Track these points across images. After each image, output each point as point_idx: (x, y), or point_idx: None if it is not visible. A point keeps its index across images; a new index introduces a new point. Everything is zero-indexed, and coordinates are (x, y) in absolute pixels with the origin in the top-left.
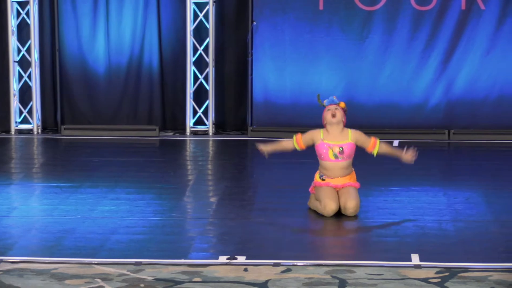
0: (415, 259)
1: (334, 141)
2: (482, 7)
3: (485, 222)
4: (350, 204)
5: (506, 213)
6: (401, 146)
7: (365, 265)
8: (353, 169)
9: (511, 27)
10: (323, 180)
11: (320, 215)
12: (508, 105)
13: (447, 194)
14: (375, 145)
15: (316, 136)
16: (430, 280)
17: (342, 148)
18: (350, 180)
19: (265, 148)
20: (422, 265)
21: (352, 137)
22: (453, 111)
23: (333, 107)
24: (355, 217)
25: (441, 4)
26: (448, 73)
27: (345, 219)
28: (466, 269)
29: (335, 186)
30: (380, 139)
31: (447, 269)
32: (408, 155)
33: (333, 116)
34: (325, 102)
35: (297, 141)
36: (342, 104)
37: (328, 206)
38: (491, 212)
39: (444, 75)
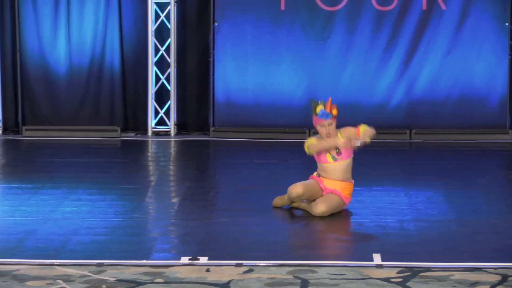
0: (377, 259)
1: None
2: (443, 7)
3: (446, 221)
4: (320, 208)
5: (468, 212)
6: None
7: (327, 265)
8: (352, 182)
9: (471, 27)
10: (318, 176)
11: (282, 216)
12: (469, 105)
13: (408, 194)
14: (358, 134)
15: (314, 141)
16: (392, 280)
17: (338, 149)
18: (340, 188)
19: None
20: (384, 265)
21: (342, 135)
22: (414, 111)
23: (326, 123)
24: (316, 218)
25: (402, 5)
26: (409, 73)
27: (307, 220)
28: (428, 269)
29: (323, 188)
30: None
31: (409, 268)
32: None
33: (328, 135)
34: (318, 112)
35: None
36: (335, 112)
37: (295, 189)
38: (452, 211)
39: (406, 75)
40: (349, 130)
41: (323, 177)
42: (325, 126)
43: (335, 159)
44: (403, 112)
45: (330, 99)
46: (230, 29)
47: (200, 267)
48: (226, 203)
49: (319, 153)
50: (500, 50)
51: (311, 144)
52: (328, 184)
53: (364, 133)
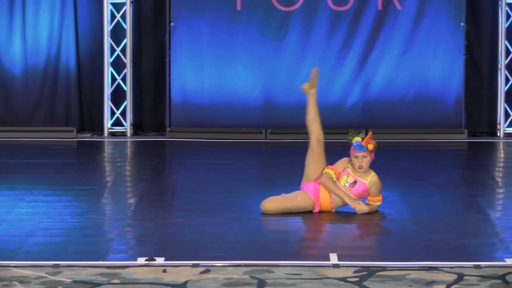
0: (333, 258)
1: (355, 173)
2: (399, 7)
3: (402, 221)
4: (266, 205)
5: (423, 212)
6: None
7: (284, 265)
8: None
9: (427, 27)
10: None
11: (238, 216)
12: (424, 105)
13: None
14: (375, 201)
15: (346, 164)
16: (349, 279)
17: (356, 182)
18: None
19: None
20: (340, 265)
21: (370, 180)
22: (370, 111)
23: (360, 155)
24: (273, 217)
25: (358, 5)
26: (365, 73)
27: (263, 220)
28: (384, 268)
29: (317, 207)
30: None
31: (365, 268)
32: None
33: (360, 168)
34: (354, 143)
35: (333, 171)
36: (371, 147)
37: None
38: (408, 211)
39: (362, 75)
40: (376, 187)
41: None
42: (358, 157)
43: (345, 186)
44: (359, 112)
45: (370, 133)
46: (186, 29)
47: (156, 268)
48: (182, 204)
49: (327, 188)
50: (456, 49)
51: (327, 176)
52: (325, 206)
53: (371, 207)
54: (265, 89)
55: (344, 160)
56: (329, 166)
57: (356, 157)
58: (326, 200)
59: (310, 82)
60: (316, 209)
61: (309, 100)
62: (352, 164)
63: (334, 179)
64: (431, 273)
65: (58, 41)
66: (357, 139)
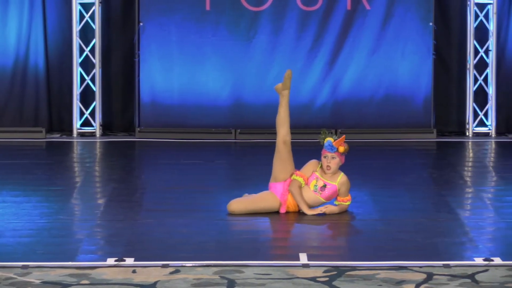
0: (303, 258)
1: (324, 177)
2: (368, 7)
3: (371, 220)
4: (232, 206)
5: (393, 211)
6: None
7: (254, 265)
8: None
9: (396, 28)
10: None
11: (208, 217)
12: (393, 104)
13: None
14: (343, 201)
15: (315, 167)
16: (318, 279)
17: (325, 185)
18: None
19: (310, 212)
20: (310, 264)
21: (340, 181)
22: (339, 111)
23: (330, 155)
24: (243, 217)
25: (327, 5)
26: (334, 73)
27: (233, 220)
28: (354, 268)
29: (283, 208)
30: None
31: (335, 268)
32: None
33: (328, 168)
34: (325, 143)
35: (302, 177)
36: (341, 149)
37: (231, 207)
38: (377, 210)
39: (331, 75)
40: (344, 187)
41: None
42: (327, 157)
43: (316, 191)
44: (328, 112)
45: (343, 136)
46: (155, 29)
47: (126, 268)
48: (152, 204)
49: (294, 198)
50: (425, 49)
51: (296, 184)
52: (293, 207)
53: (341, 207)
54: (235, 89)
55: (312, 162)
56: (297, 172)
57: (326, 157)
58: (293, 203)
59: (283, 84)
60: (283, 210)
61: (281, 101)
62: (321, 166)
63: (303, 185)
64: (400, 273)
65: (26, 41)
66: (329, 139)
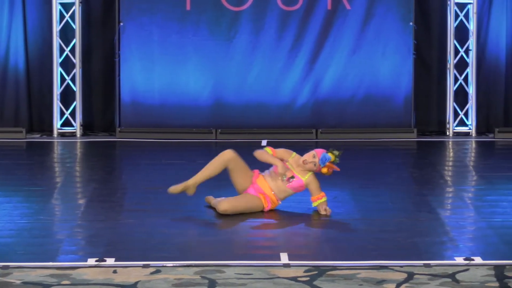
0: (284, 258)
1: (294, 169)
2: (348, 7)
3: (352, 220)
4: (223, 205)
5: (374, 211)
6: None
7: (234, 265)
8: (280, 202)
9: (376, 27)
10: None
11: (189, 216)
12: (374, 104)
13: None
14: (318, 199)
15: (286, 156)
16: (299, 279)
17: (293, 177)
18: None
19: (279, 163)
20: (291, 264)
21: (308, 179)
22: (320, 111)
23: (315, 161)
24: (223, 217)
25: (307, 5)
26: (315, 72)
27: (214, 220)
28: (335, 267)
29: (253, 182)
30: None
31: (316, 267)
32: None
33: (304, 162)
34: (326, 155)
35: (271, 150)
36: (324, 170)
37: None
38: (358, 210)
39: (311, 74)
40: (313, 185)
41: (263, 176)
42: (313, 161)
43: (283, 180)
44: (309, 112)
45: (337, 168)
46: (136, 29)
47: (107, 269)
48: (133, 204)
49: (263, 161)
50: (405, 49)
51: (265, 150)
52: (262, 184)
53: (319, 204)
54: (215, 89)
55: (287, 150)
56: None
57: (314, 156)
58: (269, 193)
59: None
60: (267, 206)
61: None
62: (293, 157)
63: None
64: (381, 272)
65: (6, 41)
66: (330, 155)
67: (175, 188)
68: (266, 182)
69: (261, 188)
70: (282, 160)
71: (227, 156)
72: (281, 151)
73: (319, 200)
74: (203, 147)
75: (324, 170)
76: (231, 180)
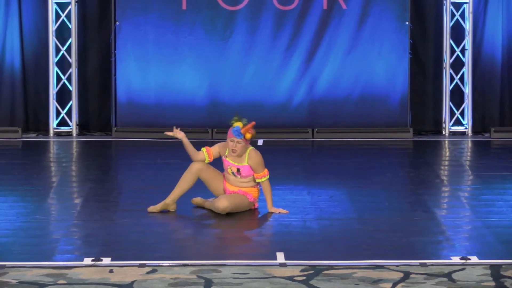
0: (280, 257)
1: (233, 162)
2: (344, 6)
3: (348, 219)
4: (222, 203)
5: (369, 210)
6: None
7: (231, 264)
8: (258, 187)
9: (372, 27)
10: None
11: (185, 216)
12: (370, 104)
13: (311, 193)
14: (261, 177)
15: (222, 151)
16: (296, 278)
17: (239, 169)
18: (243, 189)
19: (183, 138)
20: (287, 263)
21: (248, 160)
22: (316, 110)
23: (236, 140)
24: (219, 216)
25: (303, 4)
26: (311, 72)
27: (210, 219)
28: (331, 267)
29: (225, 189)
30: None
31: (312, 267)
32: (275, 210)
33: (234, 152)
34: (233, 127)
35: (207, 152)
36: (248, 136)
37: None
38: (354, 209)
39: (307, 74)
40: (255, 163)
41: (226, 181)
42: (233, 141)
43: (234, 175)
44: (305, 111)
45: (253, 123)
46: (132, 29)
47: (103, 268)
48: (128, 204)
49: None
50: (401, 48)
51: (202, 151)
52: (231, 187)
53: (266, 189)
54: (211, 88)
55: (220, 144)
56: (207, 147)
57: (232, 140)
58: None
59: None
60: (254, 201)
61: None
62: (227, 152)
63: (206, 160)
64: (377, 272)
65: (2, 40)
66: (237, 125)
67: (154, 208)
68: (230, 185)
69: (232, 191)
70: (221, 156)
71: (194, 169)
72: (217, 148)
73: (260, 179)
74: (199, 147)
75: (247, 136)
76: (208, 188)
